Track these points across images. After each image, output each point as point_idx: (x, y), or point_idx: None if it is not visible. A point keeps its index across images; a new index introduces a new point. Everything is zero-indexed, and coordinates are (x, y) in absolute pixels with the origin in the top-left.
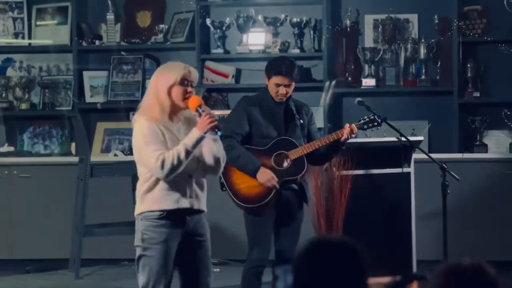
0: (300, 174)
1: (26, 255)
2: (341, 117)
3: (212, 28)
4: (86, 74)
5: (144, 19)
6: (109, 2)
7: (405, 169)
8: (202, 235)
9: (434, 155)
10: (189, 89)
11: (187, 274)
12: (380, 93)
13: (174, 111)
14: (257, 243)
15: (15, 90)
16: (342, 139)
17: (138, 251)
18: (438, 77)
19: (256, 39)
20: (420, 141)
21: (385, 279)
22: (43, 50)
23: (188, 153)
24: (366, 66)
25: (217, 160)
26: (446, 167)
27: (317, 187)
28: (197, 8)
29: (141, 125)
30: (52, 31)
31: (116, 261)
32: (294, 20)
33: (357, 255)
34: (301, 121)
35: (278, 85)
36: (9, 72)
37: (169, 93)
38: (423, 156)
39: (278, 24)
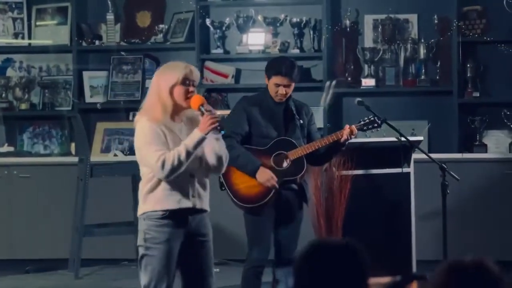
0: (299, 174)
1: (26, 255)
2: (341, 117)
3: (211, 28)
4: (86, 74)
5: (144, 19)
6: (109, 2)
7: (405, 169)
8: (204, 235)
9: (433, 155)
10: (191, 88)
11: (189, 274)
12: (380, 93)
13: (176, 110)
14: (257, 243)
15: (15, 90)
16: (342, 140)
17: (141, 251)
18: (437, 77)
19: (256, 39)
20: (419, 141)
21: (385, 279)
22: (43, 50)
23: (188, 153)
24: (366, 66)
25: (219, 159)
26: (445, 167)
27: (317, 187)
28: (196, 8)
29: (142, 125)
30: (52, 31)
31: (115, 261)
32: (294, 20)
33: (357, 257)
34: (301, 121)
35: (277, 85)
36: (9, 72)
37: (171, 93)
38: (423, 156)
39: (278, 24)
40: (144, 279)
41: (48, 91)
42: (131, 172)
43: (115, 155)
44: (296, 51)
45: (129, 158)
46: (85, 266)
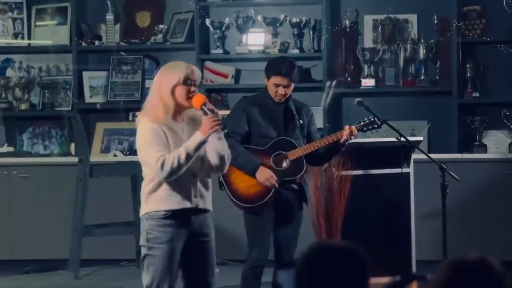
0: (299, 174)
1: (25, 255)
2: (340, 117)
3: (211, 29)
4: (85, 75)
5: (143, 19)
6: (109, 2)
7: (405, 169)
8: (206, 235)
9: (433, 155)
10: (193, 88)
11: (191, 275)
12: (380, 93)
13: (178, 110)
14: (256, 243)
15: (15, 90)
16: (342, 140)
17: (143, 251)
18: (437, 77)
19: (256, 40)
20: (419, 141)
21: (385, 279)
22: (43, 50)
23: (189, 156)
24: (366, 66)
25: (222, 159)
26: (445, 167)
27: (317, 187)
28: (196, 8)
29: (144, 125)
30: (51, 32)
31: (115, 261)
32: (294, 20)
33: (358, 260)
34: (301, 122)
35: (277, 85)
36: (9, 72)
37: (172, 93)
38: (423, 156)
39: (278, 25)
40: (146, 279)
41: (48, 91)
42: (131, 172)
43: (115, 155)
44: (296, 51)
45: (129, 158)
46: (85, 266)
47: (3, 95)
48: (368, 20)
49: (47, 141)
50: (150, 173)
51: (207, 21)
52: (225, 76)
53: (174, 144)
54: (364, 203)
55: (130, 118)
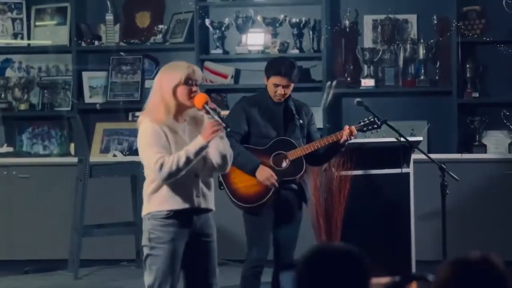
0: (298, 174)
1: (25, 255)
2: (340, 117)
3: (211, 29)
4: (85, 75)
5: (143, 19)
6: (108, 2)
7: (404, 170)
8: (208, 236)
9: (433, 156)
10: (194, 88)
11: (192, 275)
12: (379, 93)
13: (179, 110)
14: (256, 243)
15: (14, 90)
16: (341, 141)
17: (145, 251)
18: (437, 77)
19: (255, 40)
20: (419, 142)
21: (384, 280)
22: (42, 50)
23: (188, 160)
24: (365, 67)
25: (224, 158)
26: (445, 167)
27: (316, 187)
28: (196, 8)
29: (145, 126)
30: (51, 32)
31: (115, 262)
32: (293, 20)
33: (358, 263)
34: (301, 121)
35: (276, 85)
36: (8, 72)
37: (174, 93)
38: (422, 156)
39: (277, 25)
40: (148, 279)
41: (47, 91)
42: (130, 172)
43: (115, 155)
44: (296, 51)
45: (129, 158)
46: (84, 266)
47: (2, 95)
48: (367, 20)
49: (47, 141)
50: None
51: (207, 21)
52: (225, 76)
53: (175, 144)
54: (363, 203)
55: (130, 118)
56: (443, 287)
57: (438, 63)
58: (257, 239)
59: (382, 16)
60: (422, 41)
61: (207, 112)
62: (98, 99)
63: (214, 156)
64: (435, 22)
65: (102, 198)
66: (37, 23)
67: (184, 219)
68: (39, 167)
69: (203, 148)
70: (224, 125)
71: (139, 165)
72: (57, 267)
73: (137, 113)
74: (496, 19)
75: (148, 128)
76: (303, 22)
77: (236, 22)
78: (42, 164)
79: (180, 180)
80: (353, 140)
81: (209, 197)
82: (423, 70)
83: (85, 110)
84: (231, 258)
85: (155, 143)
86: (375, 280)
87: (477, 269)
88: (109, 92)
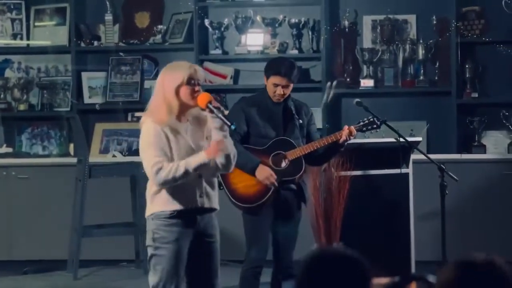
0: (297, 174)
1: (24, 256)
2: (339, 117)
3: (210, 29)
4: (84, 75)
5: (142, 20)
6: (108, 3)
7: (404, 170)
8: (211, 236)
9: (432, 156)
10: (197, 87)
11: (195, 275)
12: (379, 93)
13: (182, 110)
14: (255, 243)
15: (14, 91)
16: (341, 141)
17: (150, 251)
18: (436, 78)
19: (255, 40)
20: (418, 142)
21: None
22: (42, 51)
23: (187, 172)
24: (365, 67)
25: (228, 157)
26: (444, 167)
27: (316, 187)
28: (195, 9)
29: (147, 127)
30: (50, 32)
31: (114, 262)
32: (293, 20)
33: (358, 267)
34: (300, 121)
35: (276, 85)
36: (8, 73)
37: (177, 93)
38: (422, 156)
39: (277, 25)
40: (153, 279)
41: (47, 92)
42: (130, 172)
43: (114, 156)
44: (295, 51)
45: (128, 159)
46: (84, 267)
47: (2, 96)
48: (367, 21)
49: (46, 141)
50: None
51: (206, 22)
52: (224, 77)
53: (176, 145)
54: (363, 204)
55: (129, 118)
56: None
57: (437, 64)
58: (256, 239)
59: (382, 17)
60: (421, 41)
61: (211, 111)
62: (97, 100)
63: (217, 155)
64: (435, 22)
65: (102, 198)
66: (36, 24)
67: (188, 219)
68: (38, 167)
69: (204, 165)
70: (228, 123)
71: (138, 166)
72: (56, 267)
73: (136, 114)
74: (495, 19)
75: (149, 129)
76: (303, 22)
77: (236, 23)
78: (42, 165)
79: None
80: (352, 140)
81: (212, 197)
82: (422, 71)
83: (85, 110)
84: (230, 259)
85: (155, 146)
86: (375, 281)
87: (481, 271)
88: (108, 92)
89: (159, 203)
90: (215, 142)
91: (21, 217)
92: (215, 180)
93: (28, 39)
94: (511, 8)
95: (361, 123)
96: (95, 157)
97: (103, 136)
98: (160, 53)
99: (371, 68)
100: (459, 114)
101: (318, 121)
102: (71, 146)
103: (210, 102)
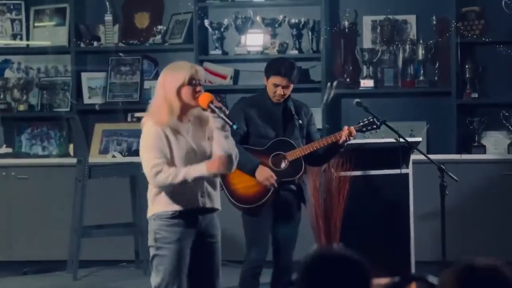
0: (297, 175)
1: (24, 256)
2: (339, 118)
3: (210, 29)
4: (84, 75)
5: (142, 20)
6: (107, 3)
7: (404, 170)
8: (213, 236)
9: (432, 156)
10: (198, 88)
11: (196, 275)
12: (379, 94)
13: (184, 111)
14: (255, 243)
15: (13, 91)
16: (341, 141)
17: (152, 251)
18: (436, 78)
19: (254, 40)
20: (418, 142)
21: (384, 280)
22: (41, 51)
23: (185, 181)
24: (364, 67)
25: (229, 158)
26: (444, 168)
27: (316, 188)
28: (195, 9)
29: (148, 128)
30: (50, 33)
31: (114, 263)
32: (292, 21)
33: (358, 268)
34: (300, 122)
35: (276, 86)
36: (7, 73)
37: (178, 93)
38: (421, 157)
39: (276, 25)
40: (155, 279)
41: (46, 92)
42: (130, 173)
43: (114, 156)
44: (295, 52)
45: (128, 159)
46: (84, 267)
47: (1, 96)
48: (367, 21)
49: (46, 142)
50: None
51: (206, 22)
52: (224, 77)
53: (177, 146)
54: (363, 204)
55: (129, 119)
56: None
57: (437, 64)
58: (256, 240)
59: (381, 17)
60: (421, 41)
61: (213, 111)
62: (97, 100)
63: (218, 171)
64: (434, 22)
65: (101, 199)
66: (36, 24)
67: (190, 219)
68: (38, 168)
69: (203, 177)
70: (230, 123)
71: (138, 166)
72: (56, 268)
73: (136, 114)
74: (495, 19)
75: (150, 131)
76: (302, 22)
77: (235, 23)
78: (41, 165)
79: None
80: (352, 141)
81: (214, 197)
82: (422, 71)
83: (84, 111)
84: (230, 259)
85: (155, 148)
86: (375, 281)
87: (483, 276)
88: (108, 92)
89: (160, 204)
90: (217, 157)
91: (21, 217)
92: (217, 180)
93: (27, 39)
94: (511, 9)
95: (361, 124)
96: (94, 158)
97: (103, 136)
98: (160, 54)
99: (371, 68)
100: (459, 114)
101: (318, 121)
102: (71, 146)
103: (211, 102)
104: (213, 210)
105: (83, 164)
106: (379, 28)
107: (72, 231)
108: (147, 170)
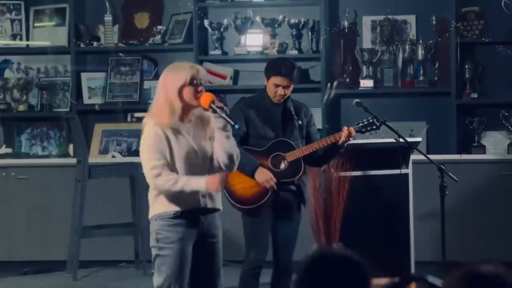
0: (296, 176)
1: (24, 257)
2: (339, 118)
3: (210, 30)
4: (84, 76)
5: (142, 20)
6: (107, 3)
7: (403, 170)
8: (214, 237)
9: (432, 156)
10: (200, 88)
11: (197, 276)
12: (378, 94)
13: (185, 111)
14: (254, 244)
15: (13, 91)
16: (340, 142)
17: (154, 252)
18: (436, 78)
19: (254, 40)
20: (418, 142)
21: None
22: (41, 51)
23: (182, 191)
24: (364, 67)
25: (231, 158)
26: (444, 168)
27: (315, 188)
28: (195, 9)
29: (148, 129)
30: (50, 33)
31: (114, 263)
32: (292, 21)
33: (358, 269)
34: (300, 122)
35: (276, 86)
36: (7, 73)
37: (179, 94)
38: (421, 157)
39: (276, 25)
40: (157, 280)
41: (46, 92)
42: (129, 173)
43: (113, 156)
44: (294, 52)
45: (127, 159)
46: (83, 267)
47: (1, 96)
48: (366, 21)
49: (46, 142)
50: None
51: (206, 22)
52: (224, 77)
53: (177, 146)
54: (362, 204)
55: (129, 119)
56: None
57: (437, 64)
58: (255, 240)
59: (381, 17)
60: (421, 41)
61: (214, 111)
62: (97, 100)
63: (221, 156)
64: (434, 22)
65: (101, 199)
66: (35, 24)
67: (191, 219)
68: (38, 168)
69: (200, 192)
70: (232, 123)
71: (138, 166)
72: (56, 268)
73: (137, 114)
74: (495, 20)
75: (150, 132)
76: (302, 22)
77: (235, 23)
78: (41, 165)
79: None
80: (352, 141)
81: (215, 197)
82: (422, 71)
83: (84, 111)
84: (230, 259)
85: (155, 149)
86: (375, 281)
87: (488, 284)
88: (108, 93)
89: (162, 204)
90: (218, 176)
91: (21, 217)
92: None
93: (27, 39)
94: (511, 9)
95: (360, 124)
96: (94, 158)
97: (103, 136)
98: (160, 54)
99: (370, 68)
100: (459, 114)
101: (318, 121)
102: (71, 146)
103: (213, 102)
104: (214, 210)
105: (83, 164)
106: (378, 28)
107: (72, 231)
108: (147, 171)
